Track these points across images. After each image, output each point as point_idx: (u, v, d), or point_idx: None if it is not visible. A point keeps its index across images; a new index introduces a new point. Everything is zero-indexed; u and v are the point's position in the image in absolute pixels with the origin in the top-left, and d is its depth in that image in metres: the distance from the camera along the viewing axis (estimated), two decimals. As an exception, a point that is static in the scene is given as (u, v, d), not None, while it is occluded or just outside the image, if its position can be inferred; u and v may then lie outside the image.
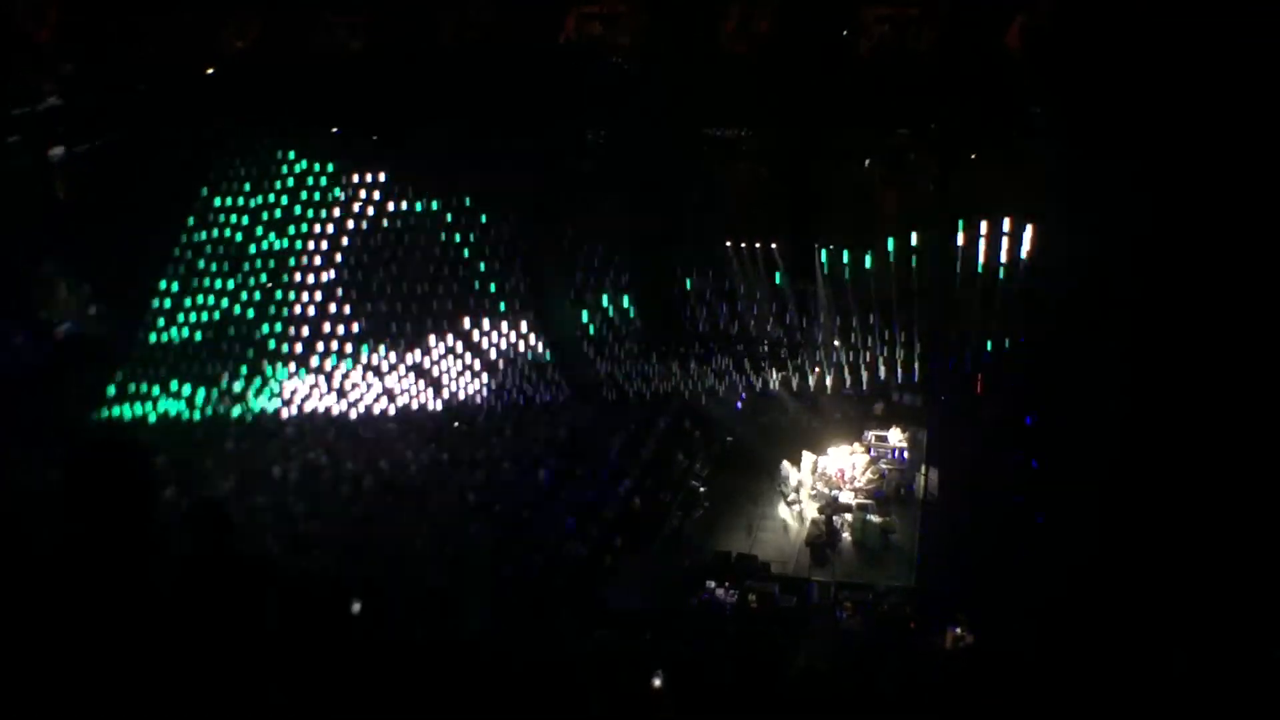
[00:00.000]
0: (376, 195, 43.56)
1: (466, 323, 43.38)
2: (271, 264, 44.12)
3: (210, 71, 35.24)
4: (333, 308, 43.76)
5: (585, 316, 42.45)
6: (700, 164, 35.98)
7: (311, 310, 43.68)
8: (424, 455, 39.68)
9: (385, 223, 43.52)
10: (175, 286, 44.53)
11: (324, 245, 43.87)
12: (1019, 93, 30.34)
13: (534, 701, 19.13)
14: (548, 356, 42.00)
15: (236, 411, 42.80)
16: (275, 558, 31.39)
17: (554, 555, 32.30)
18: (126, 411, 42.64)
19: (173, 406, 43.20)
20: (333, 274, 43.87)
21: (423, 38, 32.52)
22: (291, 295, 43.80)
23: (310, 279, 43.74)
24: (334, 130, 37.68)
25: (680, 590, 31.37)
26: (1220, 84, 24.93)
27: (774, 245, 38.99)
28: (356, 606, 27.35)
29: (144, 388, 43.44)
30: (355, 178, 43.51)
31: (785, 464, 36.60)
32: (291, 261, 44.11)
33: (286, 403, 42.75)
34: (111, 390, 43.14)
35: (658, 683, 22.88)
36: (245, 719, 7.98)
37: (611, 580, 31.39)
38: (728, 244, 39.38)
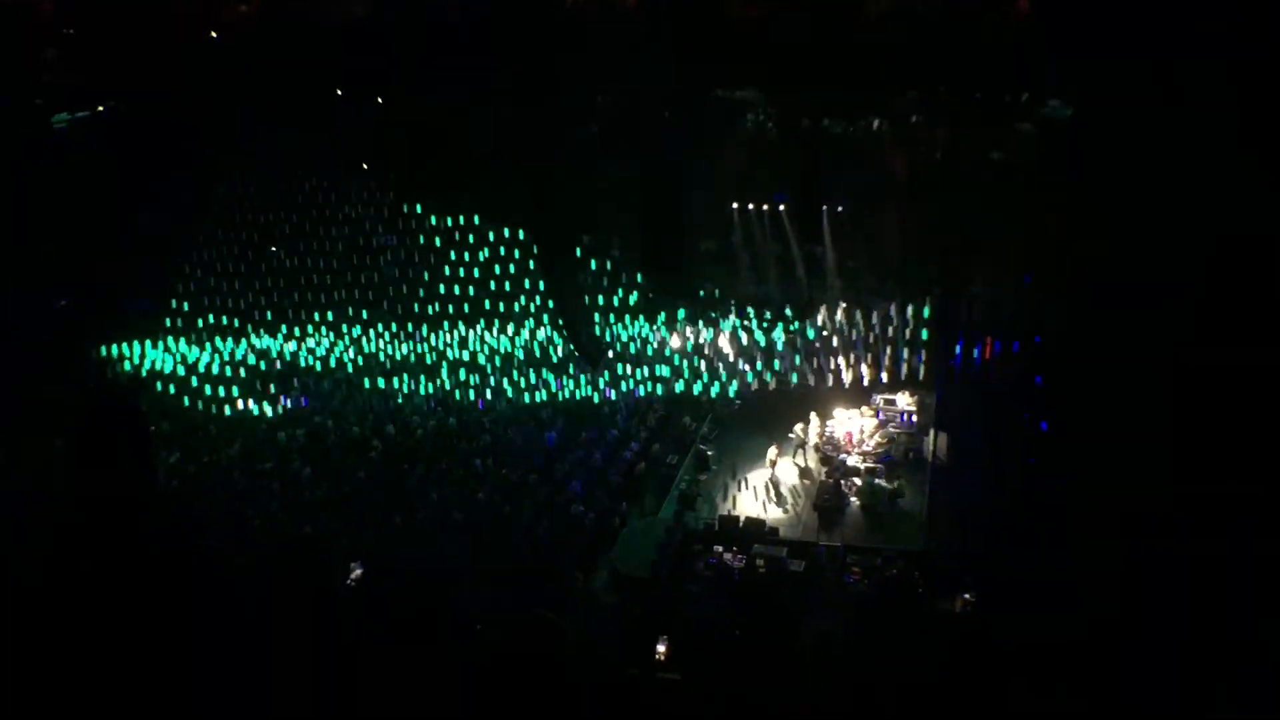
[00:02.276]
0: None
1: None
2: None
3: (214, 36, 35.16)
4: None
5: (593, 281, 42.46)
6: (709, 127, 35.84)
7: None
8: (431, 422, 39.74)
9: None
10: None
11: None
12: (1028, 56, 30.13)
13: (541, 666, 19.17)
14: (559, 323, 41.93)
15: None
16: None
17: (561, 520, 32.30)
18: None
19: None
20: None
21: (428, 2, 32.45)
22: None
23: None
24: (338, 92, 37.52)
25: (688, 554, 31.32)
26: (1233, 47, 24.75)
27: (782, 207, 38.91)
28: (357, 572, 27.59)
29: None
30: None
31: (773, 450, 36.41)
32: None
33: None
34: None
35: (662, 648, 22.96)
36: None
37: (618, 545, 31.34)
38: (735, 205, 39.30)
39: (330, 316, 45.02)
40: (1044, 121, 31.53)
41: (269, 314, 45.34)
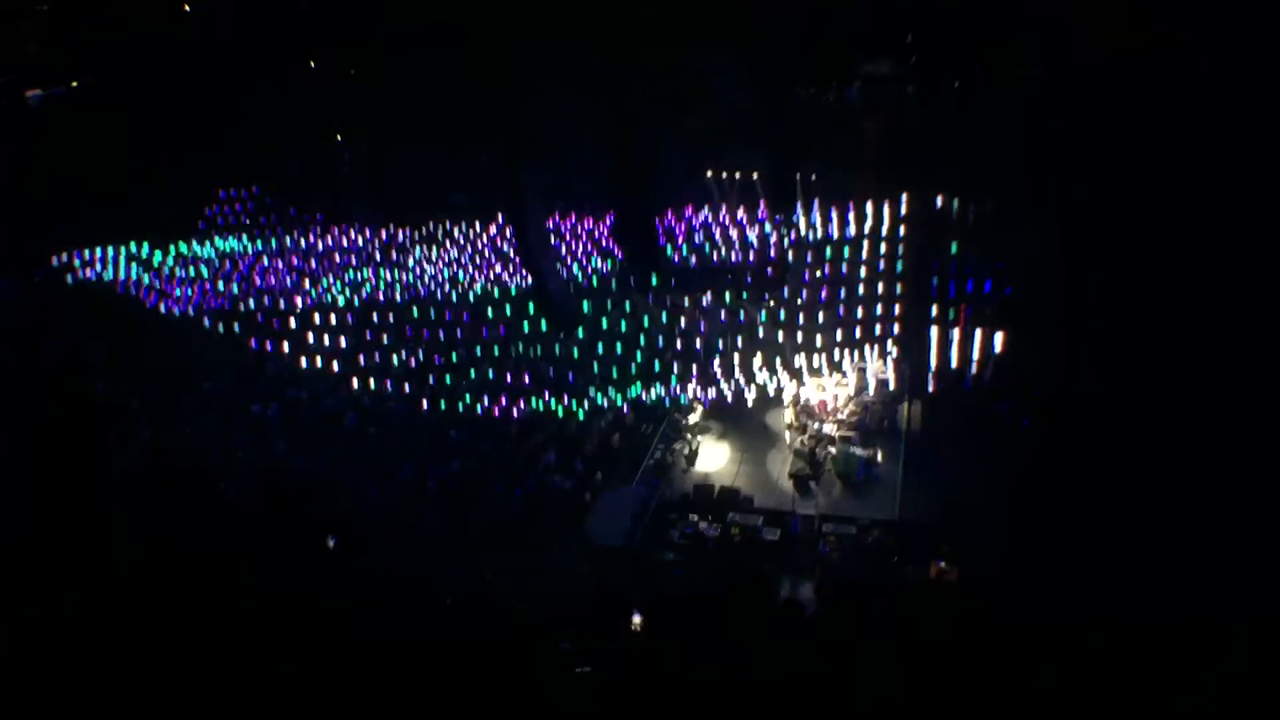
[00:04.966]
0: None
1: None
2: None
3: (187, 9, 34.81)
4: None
5: (565, 248, 42.27)
6: (682, 91, 35.63)
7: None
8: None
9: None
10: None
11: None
12: (1002, 22, 30.01)
13: (517, 637, 19.00)
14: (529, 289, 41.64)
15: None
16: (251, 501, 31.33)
17: (536, 490, 32.23)
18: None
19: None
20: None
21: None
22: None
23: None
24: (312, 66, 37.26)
25: (662, 524, 31.29)
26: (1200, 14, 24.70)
27: (755, 174, 38.76)
28: (331, 542, 27.39)
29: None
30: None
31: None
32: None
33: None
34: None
35: (637, 619, 22.88)
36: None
37: (593, 515, 31.27)
38: (709, 173, 39.14)
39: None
40: (1016, 90, 31.44)
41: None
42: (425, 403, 37.92)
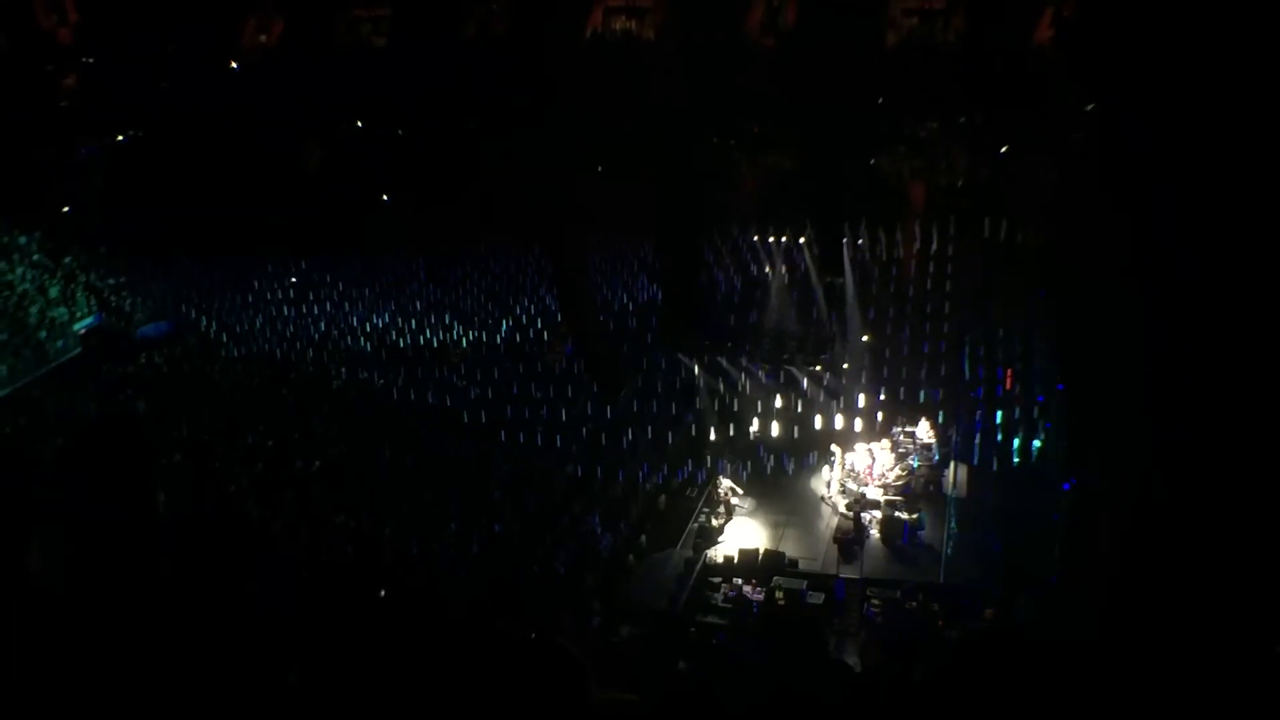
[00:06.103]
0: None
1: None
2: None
3: (234, 66, 35.28)
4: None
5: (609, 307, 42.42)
6: (727, 157, 35.83)
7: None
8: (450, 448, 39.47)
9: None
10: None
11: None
12: (1049, 85, 30.07)
13: (561, 697, 18.80)
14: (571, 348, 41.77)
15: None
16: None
17: (580, 552, 32.14)
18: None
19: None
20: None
21: (446, 31, 32.51)
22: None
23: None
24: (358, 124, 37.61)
25: (706, 587, 31.16)
26: (1249, 71, 24.61)
27: (801, 239, 38.90)
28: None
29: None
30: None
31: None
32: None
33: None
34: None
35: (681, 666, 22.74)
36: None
37: (637, 577, 31.18)
38: (755, 237, 39.32)
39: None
40: (1065, 150, 31.46)
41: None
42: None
